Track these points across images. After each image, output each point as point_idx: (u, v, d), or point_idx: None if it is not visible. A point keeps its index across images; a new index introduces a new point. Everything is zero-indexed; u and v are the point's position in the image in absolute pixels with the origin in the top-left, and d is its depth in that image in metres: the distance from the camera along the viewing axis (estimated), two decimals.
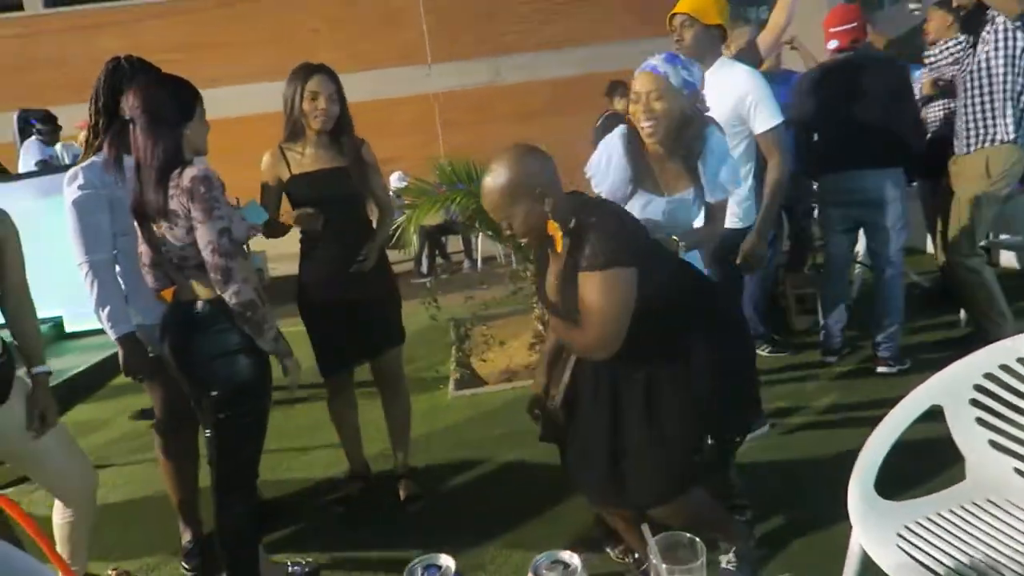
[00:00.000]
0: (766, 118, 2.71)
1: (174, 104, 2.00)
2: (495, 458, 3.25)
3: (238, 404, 2.05)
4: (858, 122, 3.51)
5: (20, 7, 12.08)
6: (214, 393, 2.03)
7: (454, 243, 8.37)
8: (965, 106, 3.47)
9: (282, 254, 4.60)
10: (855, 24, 3.58)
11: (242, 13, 11.63)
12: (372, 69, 11.19)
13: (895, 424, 1.78)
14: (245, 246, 2.41)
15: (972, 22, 3.45)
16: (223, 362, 2.01)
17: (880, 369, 3.68)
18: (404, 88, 11.62)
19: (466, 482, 3.10)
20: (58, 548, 2.39)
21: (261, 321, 1.98)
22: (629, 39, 9.88)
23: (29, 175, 6.24)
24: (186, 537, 2.69)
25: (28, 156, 6.77)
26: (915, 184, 4.59)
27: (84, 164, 2.45)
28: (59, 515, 2.32)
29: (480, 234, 6.80)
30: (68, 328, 6.16)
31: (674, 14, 2.78)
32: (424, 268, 7.67)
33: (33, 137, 6.87)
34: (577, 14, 11.58)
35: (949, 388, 1.82)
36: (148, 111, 1.95)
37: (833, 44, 3.63)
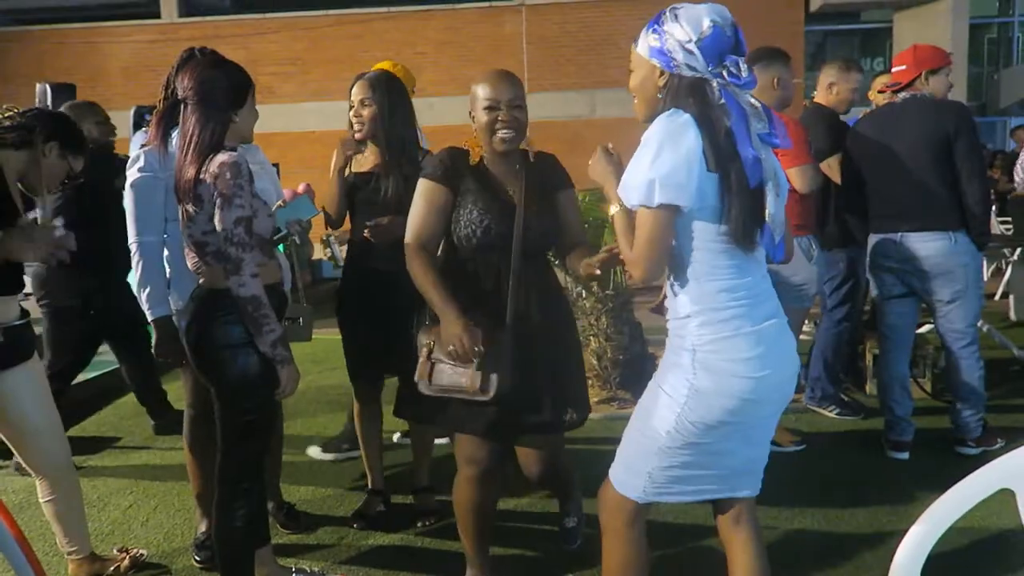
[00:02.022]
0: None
1: (226, 89, 2.00)
2: (523, 491, 3.10)
3: (244, 398, 2.01)
4: (907, 175, 3.12)
5: (158, 15, 13.04)
6: (221, 385, 2.00)
7: None
8: None
9: None
10: (904, 67, 3.22)
11: (353, 32, 12.13)
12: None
13: (953, 505, 1.54)
14: (280, 241, 2.40)
15: None
16: (232, 353, 1.97)
17: (959, 449, 3.31)
18: None
19: None
20: (53, 527, 2.43)
21: (261, 321, 1.93)
22: None
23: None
24: (201, 528, 2.68)
25: (135, 144, 7.19)
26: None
27: (148, 148, 2.51)
28: (43, 494, 2.36)
29: None
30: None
31: None
32: None
33: (143, 129, 7.31)
34: None
35: (1022, 470, 1.56)
36: (199, 92, 1.96)
37: (891, 82, 3.32)
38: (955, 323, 3.20)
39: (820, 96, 3.79)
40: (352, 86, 2.71)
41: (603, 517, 1.79)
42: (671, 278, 1.66)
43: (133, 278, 2.56)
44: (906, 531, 1.52)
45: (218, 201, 1.89)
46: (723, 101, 1.55)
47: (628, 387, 4.22)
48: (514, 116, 2.03)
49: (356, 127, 2.66)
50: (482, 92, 2.05)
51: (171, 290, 2.49)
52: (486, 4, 12.25)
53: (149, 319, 2.47)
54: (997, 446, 3.28)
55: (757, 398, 1.59)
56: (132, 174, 2.48)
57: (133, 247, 2.47)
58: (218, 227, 1.90)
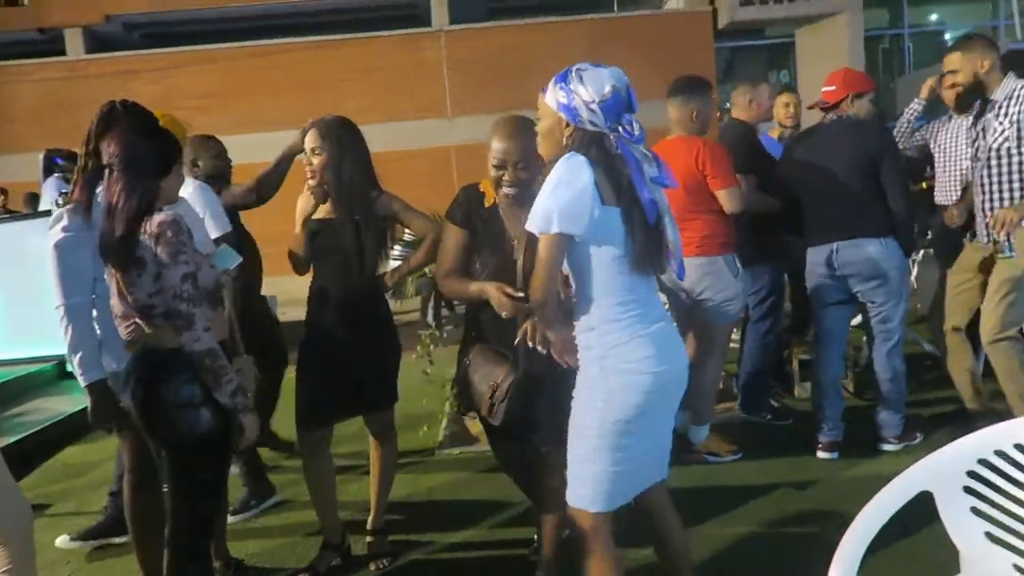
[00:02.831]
0: None
1: (155, 158, 2.00)
2: (476, 522, 3.12)
3: (196, 459, 1.99)
4: (840, 191, 3.36)
5: (63, 52, 12.58)
6: (173, 446, 1.98)
7: None
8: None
9: (295, 299, 4.60)
10: (835, 87, 3.48)
11: (273, 63, 11.98)
12: (396, 121, 11.41)
13: (880, 510, 1.66)
14: (222, 293, 2.38)
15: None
16: (183, 414, 1.96)
17: (883, 447, 3.51)
18: (424, 140, 11.81)
19: (442, 548, 2.98)
20: None
21: (220, 372, 1.93)
22: (649, 98, 9.96)
23: (46, 214, 6.36)
24: None
25: (48, 193, 6.91)
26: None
27: (70, 207, 2.45)
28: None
29: None
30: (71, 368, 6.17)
31: None
32: (430, 319, 7.62)
33: (55, 175, 7.03)
34: None
35: (940, 473, 1.69)
36: (126, 161, 1.95)
37: (820, 101, 3.55)
38: (887, 323, 3.42)
39: (740, 112, 3.99)
40: (303, 135, 2.72)
41: (577, 535, 2.00)
42: (576, 296, 1.92)
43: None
44: (843, 530, 1.63)
45: (163, 260, 1.88)
46: (620, 151, 1.86)
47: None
48: (519, 177, 2.18)
49: (309, 175, 2.66)
50: (494, 146, 2.22)
51: (103, 351, 2.43)
52: (404, 31, 12.31)
53: (82, 384, 2.40)
54: (917, 440, 3.49)
55: (659, 390, 1.89)
56: (55, 234, 2.41)
57: (60, 310, 2.39)
58: (164, 285, 1.89)
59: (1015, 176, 3.19)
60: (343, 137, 2.68)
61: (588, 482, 1.91)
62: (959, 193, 3.78)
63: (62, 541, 3.18)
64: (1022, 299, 3.21)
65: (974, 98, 3.35)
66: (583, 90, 1.84)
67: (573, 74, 1.87)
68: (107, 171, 1.97)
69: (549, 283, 1.81)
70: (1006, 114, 3.19)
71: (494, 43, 12.13)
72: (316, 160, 2.64)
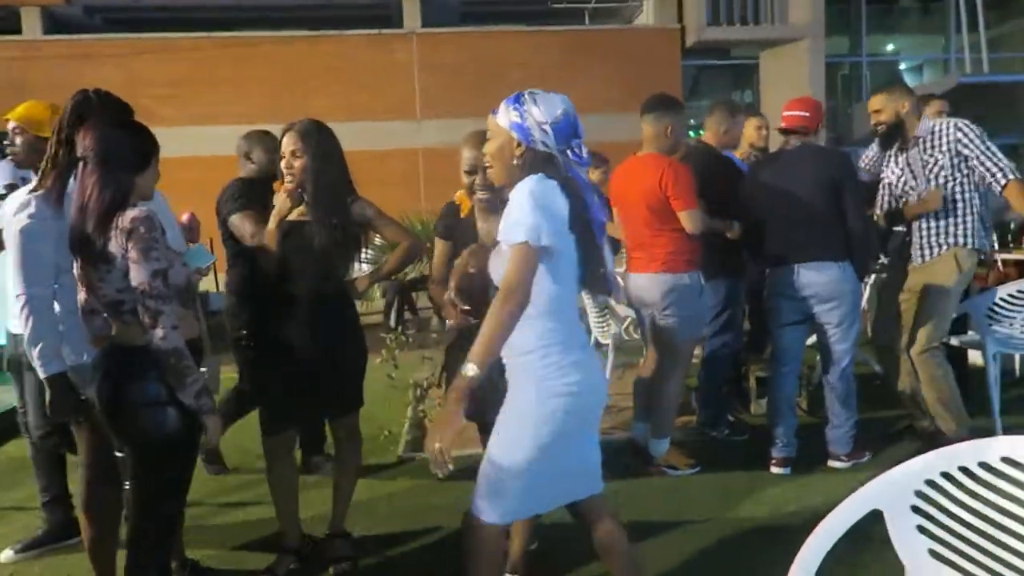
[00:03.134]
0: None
1: (132, 152, 1.98)
2: (436, 528, 3.14)
3: (162, 458, 1.98)
4: (803, 215, 3.48)
5: (19, 31, 12.19)
6: (139, 444, 1.96)
7: (425, 298, 8.32)
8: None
9: None
10: (807, 114, 3.62)
11: (241, 55, 11.81)
12: (363, 120, 11.34)
13: (832, 529, 1.73)
14: (193, 291, 2.36)
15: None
16: (150, 413, 1.94)
17: (832, 463, 3.63)
18: (392, 141, 11.77)
19: (402, 553, 2.99)
20: None
21: (184, 372, 1.91)
22: (616, 112, 10.13)
23: None
24: None
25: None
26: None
27: (39, 193, 2.40)
28: None
29: None
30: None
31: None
32: (392, 321, 7.60)
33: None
34: (567, 85, 11.82)
35: (889, 493, 1.77)
36: (102, 155, 1.93)
37: (781, 125, 3.65)
38: (840, 344, 3.55)
39: (711, 137, 4.08)
40: (282, 136, 2.69)
41: (472, 545, 2.03)
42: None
43: (18, 329, 2.43)
44: (793, 543, 1.70)
45: (133, 255, 1.86)
46: (571, 174, 1.91)
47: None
48: (488, 181, 2.10)
49: (288, 178, 2.65)
50: (465, 155, 2.42)
51: (64, 343, 2.38)
52: (375, 31, 12.26)
53: (42, 376, 2.35)
54: (865, 459, 3.62)
55: (589, 412, 1.99)
56: (20, 220, 2.36)
57: (20, 300, 2.35)
58: (134, 282, 1.88)
59: (958, 199, 3.53)
60: (321, 141, 2.68)
61: (505, 497, 1.95)
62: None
63: (6, 557, 3.01)
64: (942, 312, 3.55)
65: (895, 135, 3.65)
66: (536, 111, 1.89)
67: (526, 96, 1.92)
68: (81, 163, 1.94)
69: (527, 293, 1.80)
70: (935, 147, 3.52)
71: (465, 48, 12.17)
72: (296, 163, 2.63)
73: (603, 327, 4.85)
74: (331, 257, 2.68)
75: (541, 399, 1.88)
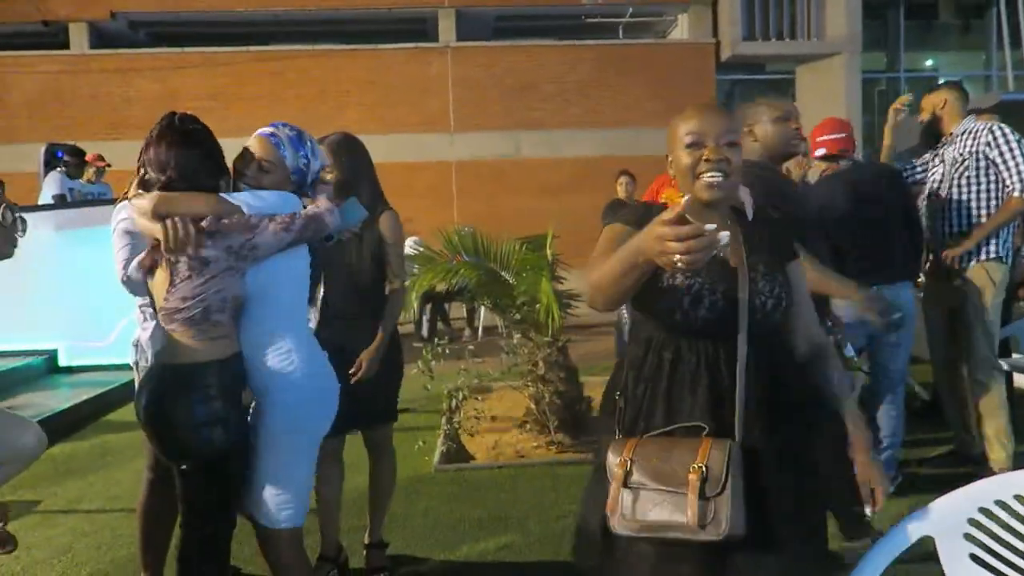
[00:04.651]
0: None
1: (208, 171, 2.02)
2: (471, 542, 3.14)
3: (208, 477, 1.98)
4: (883, 233, 3.43)
5: (67, 46, 12.55)
6: (184, 463, 1.98)
7: (458, 310, 8.36)
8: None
9: None
10: (845, 135, 3.56)
11: (278, 68, 12.02)
12: (397, 133, 11.47)
13: (886, 552, 1.71)
14: None
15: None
16: (195, 433, 1.93)
17: None
18: (425, 153, 11.87)
19: (437, 565, 2.99)
20: None
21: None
22: (649, 126, 10.11)
23: (45, 207, 6.33)
24: None
25: (48, 188, 6.88)
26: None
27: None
28: None
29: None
30: (63, 362, 6.13)
31: None
32: (425, 332, 7.64)
33: (57, 170, 7.00)
34: (602, 97, 11.88)
35: (942, 520, 1.74)
36: (182, 173, 1.97)
37: (820, 152, 3.58)
38: (896, 364, 3.45)
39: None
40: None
41: (284, 562, 2.14)
42: None
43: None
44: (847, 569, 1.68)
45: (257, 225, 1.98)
46: None
47: (565, 430, 4.33)
48: (725, 157, 1.54)
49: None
50: (683, 127, 1.59)
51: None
52: (411, 45, 12.41)
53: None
54: (899, 479, 3.54)
55: None
56: (124, 220, 2.41)
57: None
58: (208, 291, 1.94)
59: (972, 203, 3.51)
60: (355, 154, 2.73)
61: (303, 497, 2.12)
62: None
63: None
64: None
65: (934, 133, 3.65)
66: None
67: None
68: (166, 182, 1.98)
69: None
70: (965, 146, 3.51)
71: (499, 62, 12.25)
72: (329, 177, 2.67)
73: None
74: (364, 268, 2.71)
75: (296, 384, 2.13)
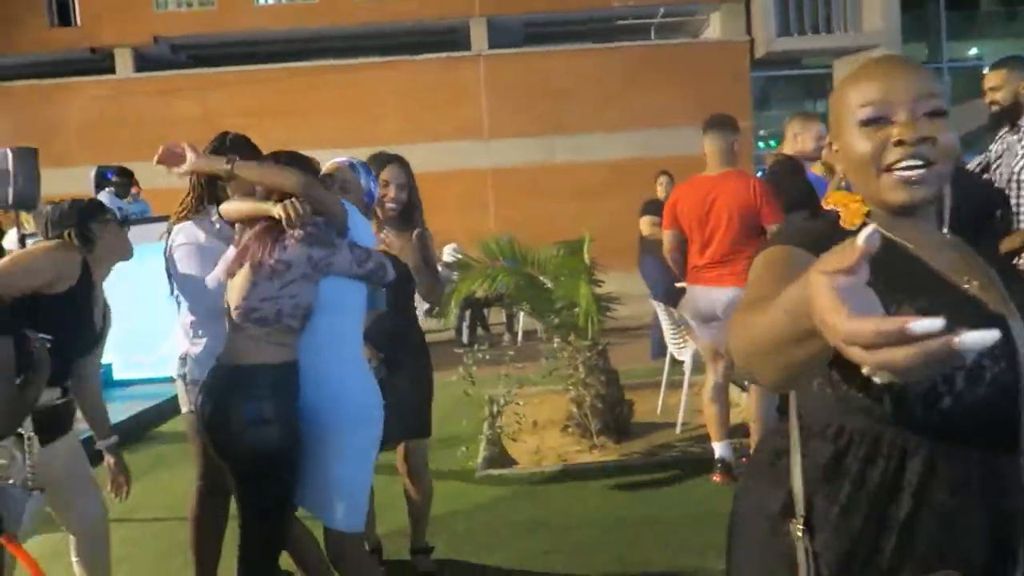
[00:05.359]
0: None
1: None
2: (515, 545, 3.14)
3: (263, 477, 2.02)
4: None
5: (112, 71, 12.98)
6: (239, 462, 2.03)
7: (496, 315, 8.38)
8: None
9: None
10: None
11: (312, 83, 12.24)
12: (432, 142, 11.58)
13: None
14: None
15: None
16: (251, 431, 1.98)
17: None
18: (460, 161, 11.95)
19: (480, 569, 3.00)
20: None
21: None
22: (684, 125, 10.00)
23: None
24: None
25: None
26: None
27: (195, 220, 2.51)
28: (75, 554, 2.40)
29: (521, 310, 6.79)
30: (117, 376, 6.32)
31: None
32: (465, 338, 7.68)
33: (106, 190, 7.24)
34: (635, 99, 11.83)
35: None
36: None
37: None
38: None
39: (786, 147, 4.01)
40: (378, 164, 2.78)
41: (351, 567, 2.17)
42: None
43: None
44: None
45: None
46: None
47: (607, 433, 4.31)
48: (926, 135, 0.98)
49: (391, 207, 2.78)
50: (856, 95, 1.03)
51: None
52: (444, 55, 12.52)
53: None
54: None
55: None
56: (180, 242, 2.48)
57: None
58: (284, 294, 2.02)
59: None
60: (410, 174, 2.85)
61: (361, 500, 2.18)
62: None
63: None
64: None
65: (1007, 119, 3.28)
66: None
67: None
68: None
69: None
70: None
71: (531, 68, 12.29)
72: (403, 195, 2.79)
73: (679, 344, 4.79)
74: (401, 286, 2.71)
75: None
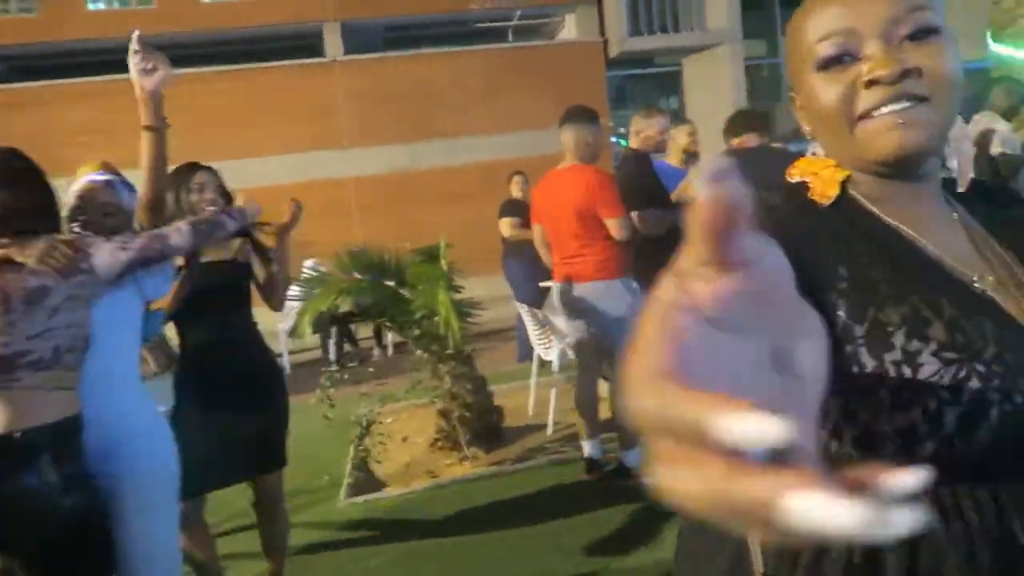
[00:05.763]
0: None
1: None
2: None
3: (69, 555, 1.72)
4: None
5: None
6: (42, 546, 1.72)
7: (366, 330, 8.11)
8: None
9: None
10: None
11: (170, 94, 11.42)
12: (291, 152, 11.12)
13: None
14: None
15: None
16: (53, 503, 1.68)
17: None
18: (320, 171, 11.54)
19: None
20: None
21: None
22: (544, 127, 10.10)
23: None
24: None
25: None
26: None
27: None
28: None
29: None
30: None
31: None
32: (332, 356, 7.36)
33: None
34: (495, 104, 11.86)
35: None
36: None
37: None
38: None
39: (633, 142, 4.06)
40: (186, 173, 2.58)
41: None
42: None
43: None
44: None
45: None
46: None
47: (478, 443, 4.20)
48: (909, 66, 0.71)
49: (210, 210, 2.57)
50: (811, 28, 0.78)
51: None
52: (298, 62, 12.06)
53: None
54: None
55: None
56: None
57: None
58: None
59: None
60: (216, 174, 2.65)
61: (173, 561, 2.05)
62: None
63: None
64: None
65: None
66: None
67: None
68: None
69: None
70: None
71: (390, 74, 12.05)
72: (220, 200, 2.55)
73: (545, 344, 4.76)
74: (247, 295, 2.60)
75: None
